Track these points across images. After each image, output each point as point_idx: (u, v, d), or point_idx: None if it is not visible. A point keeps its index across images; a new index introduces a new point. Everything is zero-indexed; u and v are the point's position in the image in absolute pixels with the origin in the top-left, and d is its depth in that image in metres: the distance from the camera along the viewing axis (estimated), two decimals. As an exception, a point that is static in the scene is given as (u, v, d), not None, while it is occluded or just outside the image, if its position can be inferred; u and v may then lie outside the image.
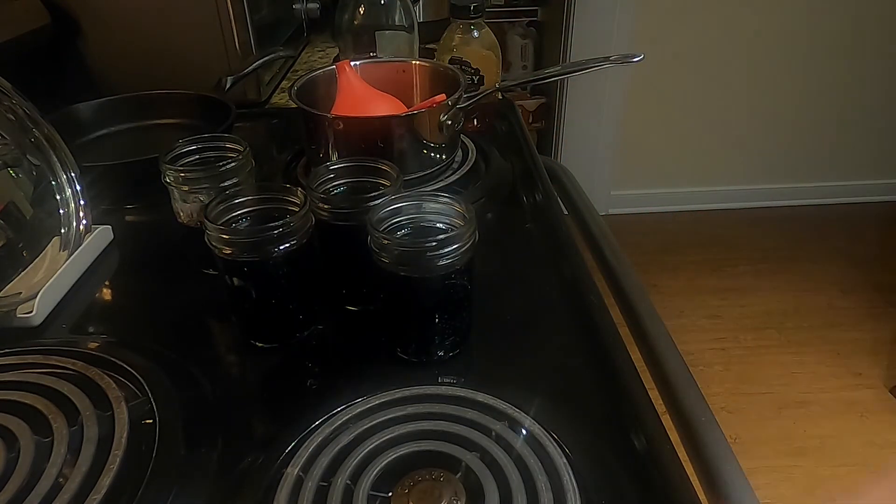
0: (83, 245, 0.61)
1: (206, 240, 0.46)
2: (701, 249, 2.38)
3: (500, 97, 0.98)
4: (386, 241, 0.43)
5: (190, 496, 0.38)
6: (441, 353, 0.48)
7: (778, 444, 1.64)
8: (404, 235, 0.47)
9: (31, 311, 0.53)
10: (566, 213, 0.77)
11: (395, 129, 0.65)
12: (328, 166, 0.54)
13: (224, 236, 0.45)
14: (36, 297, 0.54)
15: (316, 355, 0.50)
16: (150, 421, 0.43)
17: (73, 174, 0.64)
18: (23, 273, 0.58)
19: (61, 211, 0.63)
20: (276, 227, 0.45)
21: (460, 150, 0.76)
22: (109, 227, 0.64)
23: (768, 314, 2.06)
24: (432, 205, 0.48)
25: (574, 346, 0.49)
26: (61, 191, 0.63)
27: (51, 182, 0.63)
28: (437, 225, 0.48)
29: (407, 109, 0.73)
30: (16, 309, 0.53)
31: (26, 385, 0.44)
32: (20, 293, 0.54)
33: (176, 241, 0.62)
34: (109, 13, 0.85)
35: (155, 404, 0.44)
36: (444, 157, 0.71)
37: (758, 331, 2.00)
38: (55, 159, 0.63)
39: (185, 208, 0.57)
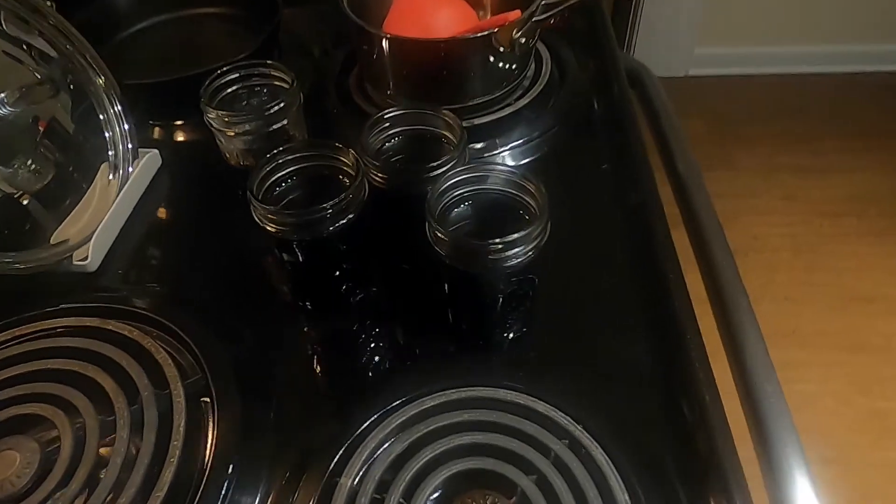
0: (131, 177, 0.59)
1: (252, 213, 0.42)
2: (785, 120, 2.17)
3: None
4: (442, 235, 0.39)
5: (245, 493, 0.39)
6: (500, 340, 0.45)
7: (839, 339, 1.60)
8: (463, 222, 0.42)
9: (87, 258, 0.52)
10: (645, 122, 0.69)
11: (457, 52, 0.57)
12: (382, 116, 0.48)
13: (271, 216, 0.41)
14: (90, 241, 0.53)
15: (370, 323, 0.48)
16: (207, 399, 0.43)
17: (115, 97, 0.59)
18: (76, 207, 0.56)
19: (107, 133, 0.60)
20: (327, 208, 0.41)
21: (533, 60, 0.67)
22: (157, 151, 0.61)
23: (850, 198, 1.91)
24: (499, 179, 0.42)
25: (648, 347, 0.45)
26: (105, 115, 0.59)
27: (93, 104, 0.59)
28: (503, 203, 0.42)
29: (475, 15, 0.64)
30: (72, 255, 0.52)
31: (88, 354, 0.44)
32: (68, 240, 0.53)
33: (226, 172, 0.58)
34: None
35: (211, 380, 0.44)
36: (514, 76, 0.62)
37: (836, 217, 1.87)
38: (94, 79, 0.59)
39: (231, 150, 0.53)
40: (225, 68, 0.52)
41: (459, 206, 0.43)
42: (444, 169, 0.43)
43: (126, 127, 0.60)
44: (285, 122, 0.51)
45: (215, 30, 0.76)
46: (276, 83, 0.54)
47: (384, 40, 0.57)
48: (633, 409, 0.41)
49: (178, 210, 0.60)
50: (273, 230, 0.42)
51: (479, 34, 0.55)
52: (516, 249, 0.38)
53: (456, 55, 0.57)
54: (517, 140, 0.60)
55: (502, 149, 0.60)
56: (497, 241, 0.37)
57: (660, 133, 0.69)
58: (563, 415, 0.39)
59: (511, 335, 0.45)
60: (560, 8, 0.57)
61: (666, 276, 0.47)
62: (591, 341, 0.46)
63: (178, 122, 0.66)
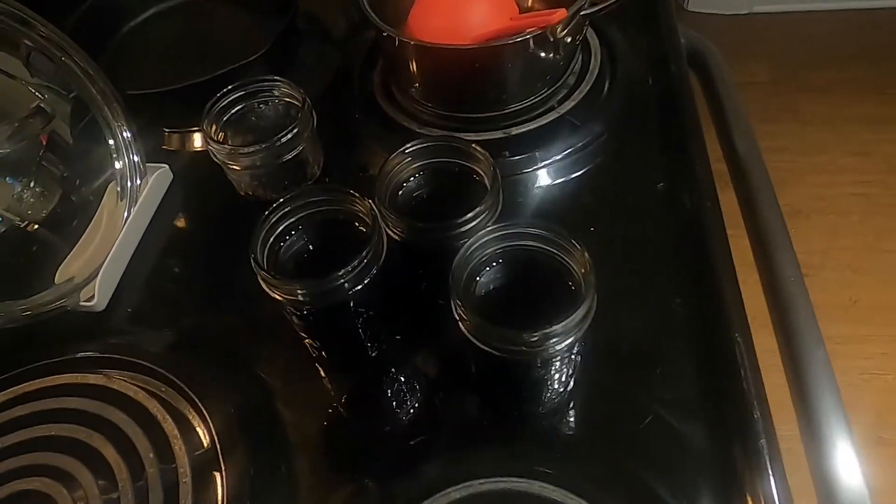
0: (140, 198, 0.54)
1: (261, 283, 0.37)
2: (860, 64, 1.96)
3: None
4: (469, 320, 0.33)
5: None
6: (533, 419, 0.40)
7: (908, 313, 1.49)
8: (495, 295, 0.36)
9: (93, 299, 0.49)
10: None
11: (490, 59, 0.49)
12: (403, 151, 0.41)
13: (276, 286, 0.37)
14: (96, 279, 0.49)
15: (392, 393, 0.43)
16: (217, 474, 0.40)
17: (118, 109, 0.54)
18: (84, 234, 0.53)
19: (112, 149, 0.55)
20: (340, 277, 0.36)
21: (580, 52, 0.58)
22: (167, 167, 0.56)
23: (931, 154, 1.75)
24: (537, 240, 0.36)
25: (706, 428, 0.39)
26: (107, 126, 0.55)
27: (95, 119, 0.55)
28: (542, 265, 0.36)
29: (514, 6, 0.55)
30: (78, 295, 0.49)
31: (93, 419, 0.41)
32: (73, 277, 0.50)
33: (239, 200, 0.53)
34: None
35: (220, 452, 0.41)
36: (557, 75, 0.55)
37: (913, 175, 1.71)
38: (94, 93, 0.54)
39: (236, 181, 0.48)
40: (228, 87, 0.46)
41: (491, 265, 0.37)
42: (473, 224, 0.37)
43: (132, 145, 0.55)
44: (298, 150, 0.45)
45: (229, 15, 0.69)
46: (287, 100, 0.48)
47: (406, 45, 0.49)
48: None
49: (192, 233, 0.55)
50: (281, 298, 0.37)
51: (514, 39, 0.47)
52: (557, 338, 0.32)
53: (488, 62, 0.49)
54: (560, 152, 0.53)
55: (543, 163, 0.52)
56: (534, 334, 0.32)
57: (720, 117, 0.60)
58: (606, 518, 0.35)
59: (547, 414, 0.40)
60: (612, 2, 0.49)
61: (732, 341, 0.40)
62: (642, 417, 0.40)
63: (191, 130, 0.61)
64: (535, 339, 0.32)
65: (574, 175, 0.53)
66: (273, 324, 0.47)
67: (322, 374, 0.45)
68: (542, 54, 0.49)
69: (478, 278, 0.37)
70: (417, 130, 0.55)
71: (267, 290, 0.37)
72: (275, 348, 0.46)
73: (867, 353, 1.44)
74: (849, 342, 1.46)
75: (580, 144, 0.53)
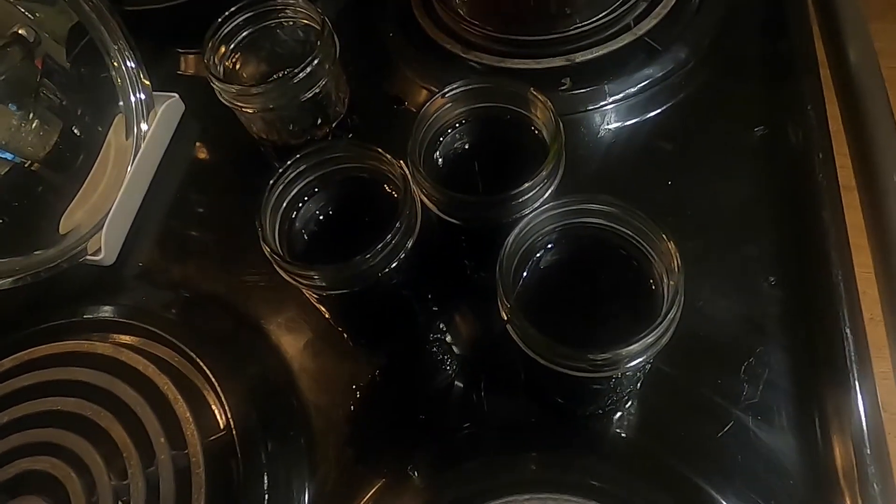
0: (149, 132, 0.48)
1: (282, 272, 0.31)
2: None
3: None
4: (521, 328, 0.27)
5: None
6: (585, 428, 0.34)
7: None
8: (552, 294, 0.29)
9: (100, 252, 0.44)
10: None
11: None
12: (444, 95, 0.33)
13: (299, 277, 0.30)
14: (102, 229, 0.44)
15: (424, 381, 0.38)
16: (232, 460, 0.37)
17: (117, 31, 0.47)
18: (89, 174, 0.48)
19: (114, 76, 0.49)
20: (368, 259, 0.29)
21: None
22: (177, 96, 0.50)
23: None
24: (610, 219, 0.29)
25: (805, 453, 0.33)
26: (106, 50, 0.48)
27: (92, 41, 0.48)
28: (611, 250, 0.29)
29: None
30: (84, 248, 0.44)
31: (100, 394, 0.38)
32: (78, 227, 0.45)
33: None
34: None
35: (236, 435, 0.37)
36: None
37: None
38: (88, 10, 0.46)
39: (252, 125, 0.41)
40: (233, 8, 0.38)
41: (548, 253, 0.30)
42: (527, 197, 0.30)
43: (131, 63, 0.48)
44: (318, 88, 0.38)
45: None
46: (304, 21, 0.40)
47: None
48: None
49: (208, 175, 0.49)
50: (302, 285, 0.31)
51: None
52: (632, 358, 0.26)
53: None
54: (634, 85, 0.44)
55: (612, 99, 0.43)
56: (601, 355, 0.25)
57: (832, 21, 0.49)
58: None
59: (606, 416, 0.34)
60: None
61: (839, 335, 0.33)
62: (719, 427, 0.33)
63: (197, 50, 0.53)
64: (604, 359, 0.25)
65: (651, 115, 0.43)
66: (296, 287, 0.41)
67: (348, 347, 0.40)
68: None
69: (531, 268, 0.30)
70: (462, 55, 0.46)
71: (283, 274, 0.31)
72: (296, 316, 0.41)
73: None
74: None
75: (660, 75, 0.44)
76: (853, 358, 0.33)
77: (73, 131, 0.49)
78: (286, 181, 0.32)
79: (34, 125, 0.47)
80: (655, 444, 0.34)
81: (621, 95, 0.43)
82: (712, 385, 0.34)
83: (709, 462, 0.33)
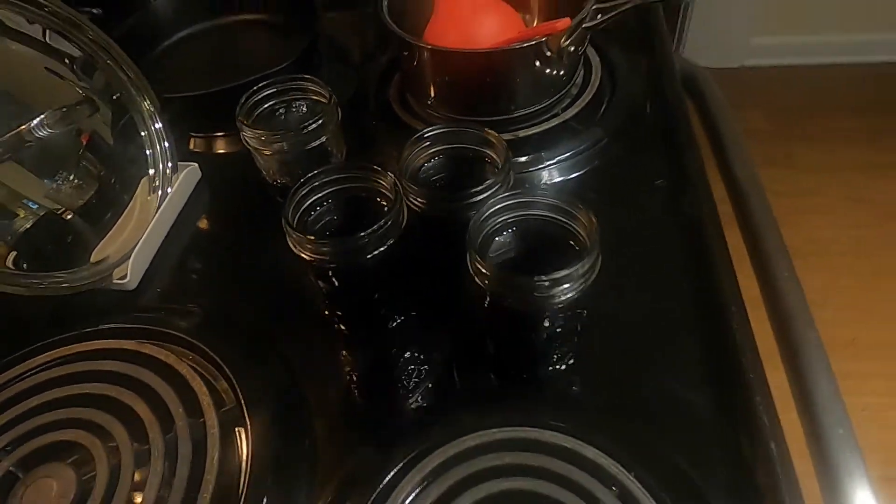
0: (171, 192, 0.58)
1: (288, 241, 0.41)
2: (851, 114, 2.05)
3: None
4: (484, 269, 0.36)
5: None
6: (545, 377, 0.43)
7: (908, 353, 1.51)
8: (507, 252, 0.40)
9: (126, 277, 0.52)
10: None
11: (502, 63, 0.54)
12: (423, 135, 0.45)
13: (307, 244, 0.40)
14: (129, 259, 0.52)
15: (410, 355, 0.46)
16: (241, 429, 0.42)
17: (154, 110, 0.59)
18: (116, 222, 0.56)
19: (147, 149, 0.60)
20: (364, 236, 0.39)
21: (582, 67, 0.63)
22: (196, 165, 0.61)
23: (921, 199, 1.80)
24: (546, 205, 0.40)
25: (706, 388, 0.42)
26: (145, 128, 0.59)
27: (132, 119, 0.59)
28: (550, 231, 0.40)
29: (520, 20, 0.61)
30: (111, 274, 0.52)
31: (124, 379, 0.44)
32: (108, 257, 0.53)
33: (264, 190, 0.57)
34: None
35: (245, 410, 0.43)
36: (561, 84, 0.59)
37: (904, 218, 1.76)
38: (134, 93, 0.59)
39: (268, 168, 0.52)
40: (261, 84, 0.51)
41: (503, 233, 0.41)
42: (486, 194, 0.41)
43: (166, 144, 0.60)
44: (323, 139, 0.49)
45: (255, 37, 0.75)
46: (314, 97, 0.52)
47: (425, 51, 0.54)
48: (689, 455, 0.38)
49: (218, 224, 0.59)
50: (309, 258, 0.40)
51: (524, 44, 0.52)
52: (564, 286, 0.35)
53: (499, 66, 0.54)
54: (564, 153, 0.57)
55: (548, 163, 0.57)
56: (543, 278, 0.35)
57: (716, 138, 0.65)
58: (612, 461, 0.37)
59: (558, 372, 0.42)
60: (613, 14, 0.54)
61: (728, 309, 0.43)
62: (645, 380, 0.42)
63: (218, 134, 0.65)
64: (546, 283, 0.35)
65: (578, 173, 0.56)
66: (297, 305, 0.50)
67: (342, 346, 0.48)
68: (548, 61, 0.54)
69: (491, 244, 0.40)
70: (432, 133, 0.59)
71: (295, 249, 0.40)
72: (298, 326, 0.49)
73: (869, 390, 1.45)
74: (850, 379, 1.47)
75: (582, 147, 0.57)
76: (754, 383, 0.41)
77: (105, 190, 0.58)
78: (304, 192, 0.43)
79: (73, 183, 0.57)
80: (595, 398, 0.42)
81: (555, 160, 0.57)
82: (635, 362, 0.44)
83: (637, 409, 0.41)
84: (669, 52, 0.69)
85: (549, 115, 0.59)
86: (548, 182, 0.56)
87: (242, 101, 0.50)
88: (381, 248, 0.40)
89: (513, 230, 0.41)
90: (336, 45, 0.75)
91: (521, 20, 0.61)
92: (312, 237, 0.40)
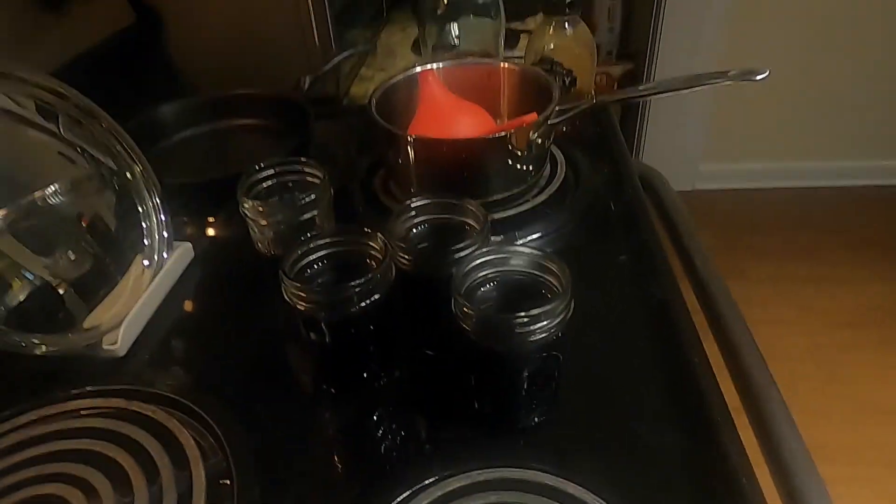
0: (165, 267, 0.61)
1: (283, 292, 0.44)
2: (794, 232, 2.21)
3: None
4: (468, 311, 0.40)
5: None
6: (527, 421, 0.45)
7: (869, 453, 1.53)
8: (489, 301, 0.43)
9: (116, 344, 0.53)
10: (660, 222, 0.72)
11: (480, 151, 0.61)
12: (409, 205, 0.50)
13: (301, 293, 0.43)
14: (120, 327, 0.54)
15: (394, 407, 0.48)
16: (228, 482, 0.43)
17: (154, 192, 0.63)
18: (108, 294, 0.58)
19: (144, 229, 0.63)
20: (356, 286, 0.42)
21: (549, 163, 0.71)
22: (189, 244, 0.64)
23: (867, 308, 1.91)
24: (522, 260, 0.44)
25: (673, 420, 0.45)
26: (144, 207, 0.63)
27: (133, 199, 0.63)
28: (527, 283, 0.44)
29: (493, 121, 0.69)
30: (101, 340, 0.53)
31: (110, 434, 0.44)
32: (101, 324, 0.54)
33: (256, 262, 0.61)
34: (191, 12, 0.83)
35: (232, 462, 0.43)
36: (531, 175, 0.66)
37: (854, 327, 1.85)
38: (138, 177, 0.63)
39: (262, 239, 0.56)
40: (262, 164, 0.56)
41: (484, 286, 0.44)
42: (468, 251, 0.45)
43: (164, 222, 0.63)
44: (315, 212, 0.54)
45: (250, 139, 0.82)
46: (309, 179, 0.58)
47: (410, 140, 0.61)
48: (666, 492, 0.40)
49: (208, 300, 0.61)
50: (302, 308, 0.43)
51: (498, 134, 0.59)
52: (541, 324, 0.39)
53: (477, 154, 0.60)
54: (535, 233, 0.63)
55: (522, 241, 0.62)
56: (522, 314, 0.38)
57: (675, 233, 0.72)
58: (594, 497, 0.38)
59: (538, 417, 0.45)
60: (573, 112, 0.62)
61: (691, 361, 0.47)
62: (620, 424, 0.45)
63: (212, 220, 0.69)
64: (525, 320, 0.38)
65: (549, 250, 0.61)
66: (285, 371, 0.52)
67: (329, 405, 0.49)
68: (519, 151, 0.61)
69: (475, 296, 0.44)
70: (413, 216, 0.64)
71: (290, 300, 0.43)
72: (286, 389, 0.51)
73: (835, 493, 1.45)
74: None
75: (552, 229, 0.63)
76: (721, 425, 0.45)
77: (101, 265, 0.61)
78: (301, 250, 0.46)
79: (69, 258, 0.59)
80: (579, 439, 0.44)
81: (527, 239, 0.62)
82: (609, 408, 0.46)
83: (618, 448, 0.43)
84: (626, 154, 0.78)
85: (521, 201, 0.65)
86: (521, 258, 0.61)
87: (243, 178, 0.55)
88: (371, 300, 0.44)
89: (493, 283, 0.44)
90: (324, 149, 0.82)
91: (494, 122, 0.69)
92: (305, 286, 0.43)
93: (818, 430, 1.57)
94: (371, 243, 0.47)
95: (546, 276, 0.43)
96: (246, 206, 0.53)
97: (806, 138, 2.36)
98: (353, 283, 0.42)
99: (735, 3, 2.04)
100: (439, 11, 0.91)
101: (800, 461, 0.47)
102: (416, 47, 1.12)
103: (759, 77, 0.56)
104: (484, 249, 0.44)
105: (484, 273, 0.44)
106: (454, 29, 0.91)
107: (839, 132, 2.33)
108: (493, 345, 0.40)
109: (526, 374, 0.42)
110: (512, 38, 1.09)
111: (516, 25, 1.16)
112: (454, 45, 0.92)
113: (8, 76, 0.54)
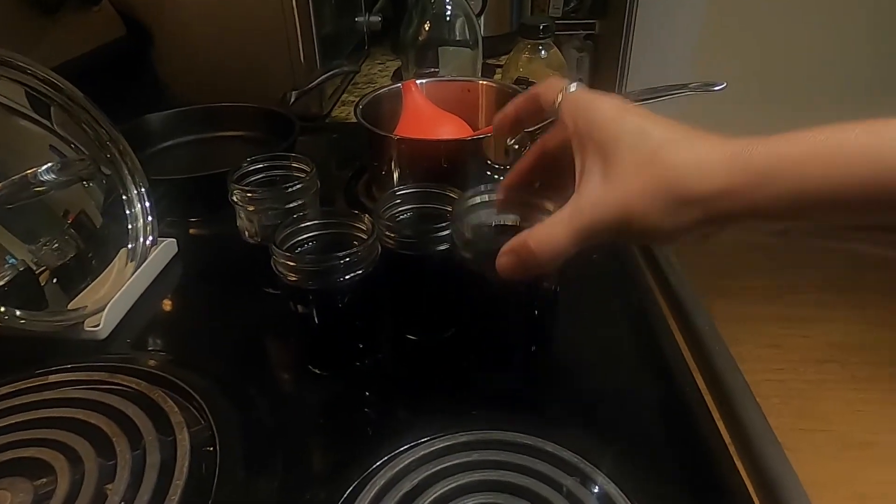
0: (149, 259, 0.62)
1: (272, 265, 0.45)
2: (760, 274, 2.28)
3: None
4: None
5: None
6: (509, 390, 0.46)
7: (838, 488, 1.55)
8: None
9: (98, 325, 0.53)
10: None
11: (460, 152, 0.64)
12: (395, 192, 0.52)
13: (290, 263, 0.44)
14: (103, 310, 0.54)
15: (375, 386, 0.49)
16: (211, 448, 0.43)
17: (143, 188, 0.65)
18: (91, 284, 0.59)
19: (130, 224, 0.64)
20: (344, 257, 0.44)
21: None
22: (174, 240, 0.65)
23: (832, 346, 1.96)
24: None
25: (645, 391, 0.47)
26: (131, 204, 0.64)
27: (121, 195, 0.64)
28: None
29: (472, 131, 0.72)
30: (84, 322, 0.54)
31: (92, 404, 0.44)
32: (86, 306, 0.55)
33: (239, 257, 0.62)
34: (181, 27, 0.87)
35: (216, 431, 0.44)
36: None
37: (820, 364, 1.90)
38: (127, 173, 0.64)
39: (249, 227, 0.57)
40: (252, 157, 0.58)
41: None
42: (445, 233, 0.48)
43: (150, 218, 0.64)
44: (302, 201, 0.56)
45: (235, 148, 0.84)
46: (297, 174, 0.60)
47: (394, 142, 0.64)
48: (641, 445, 0.42)
49: (192, 289, 0.62)
50: (292, 279, 0.45)
51: (478, 137, 0.62)
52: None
53: (460, 155, 0.63)
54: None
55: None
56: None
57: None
58: (572, 453, 0.40)
59: (519, 385, 0.46)
60: (545, 122, 0.66)
61: (661, 343, 0.49)
62: (597, 385, 0.47)
63: (196, 219, 0.71)
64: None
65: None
66: (268, 354, 0.53)
67: (312, 376, 0.50)
68: (496, 152, 0.64)
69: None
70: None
71: (280, 272, 0.45)
72: (268, 369, 0.52)
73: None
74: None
75: (529, 230, 0.66)
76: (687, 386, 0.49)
77: (84, 257, 0.61)
78: (291, 229, 0.48)
79: (52, 247, 0.60)
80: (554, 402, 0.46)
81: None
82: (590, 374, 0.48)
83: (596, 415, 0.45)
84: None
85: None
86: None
87: (233, 171, 0.56)
88: (357, 272, 0.45)
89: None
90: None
91: (470, 129, 0.72)
92: (294, 255, 0.44)
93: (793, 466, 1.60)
94: (358, 224, 0.49)
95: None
96: (235, 191, 0.55)
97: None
98: (340, 254, 0.44)
99: (700, 44, 2.16)
100: (420, 39, 0.96)
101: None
102: (397, 77, 1.16)
103: (717, 88, 0.60)
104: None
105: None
106: (436, 56, 0.96)
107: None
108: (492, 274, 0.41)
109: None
110: (488, 71, 1.14)
111: (492, 61, 1.22)
112: (435, 72, 0.97)
113: (3, 62, 0.56)
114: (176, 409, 0.44)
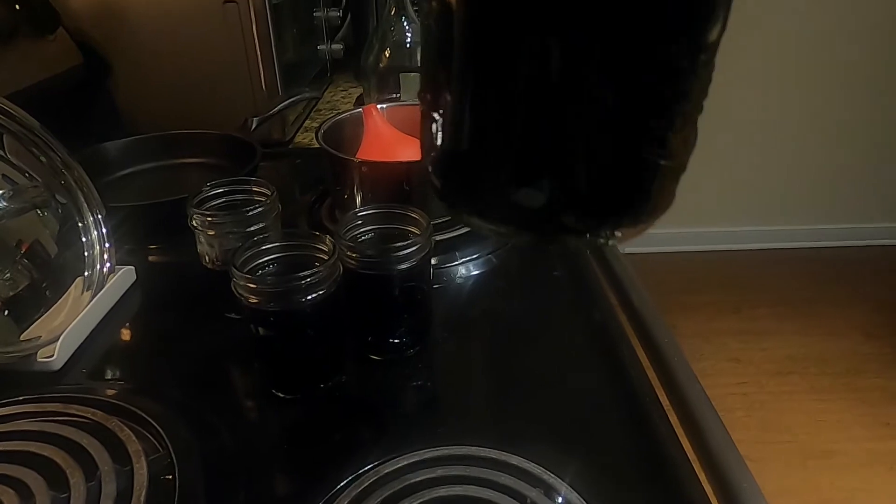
0: (106, 287, 0.61)
1: (233, 288, 0.45)
2: (719, 291, 2.34)
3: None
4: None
5: (210, 562, 0.36)
6: (471, 405, 0.46)
7: (804, 496, 1.58)
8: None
9: (52, 356, 0.52)
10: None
11: (421, 174, 0.65)
12: (356, 213, 0.53)
13: (251, 285, 0.44)
14: (57, 340, 0.53)
15: (340, 408, 0.49)
16: (171, 477, 0.42)
17: (99, 216, 0.64)
18: (45, 314, 0.57)
19: (86, 252, 0.63)
20: (305, 277, 0.44)
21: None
22: (132, 268, 0.64)
23: (790, 359, 2.01)
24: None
25: (607, 402, 0.48)
26: (87, 232, 0.63)
27: (77, 223, 0.63)
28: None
29: (433, 153, 0.73)
30: (37, 353, 0.52)
31: (44, 436, 0.43)
32: (40, 336, 0.54)
33: (198, 283, 0.61)
34: (140, 54, 0.86)
35: (175, 459, 0.43)
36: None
37: (780, 376, 1.95)
38: (83, 200, 0.63)
39: (209, 252, 0.57)
40: (211, 183, 0.58)
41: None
42: (411, 250, 0.48)
43: (107, 246, 0.63)
44: (263, 224, 0.56)
45: (196, 175, 0.83)
46: (258, 198, 0.60)
47: (356, 165, 0.64)
48: (604, 455, 0.43)
49: (149, 318, 0.61)
50: (253, 301, 0.44)
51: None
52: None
53: (418, 176, 0.64)
54: (474, 254, 0.66)
55: (462, 260, 0.65)
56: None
57: (608, 267, 0.76)
58: (535, 465, 0.40)
59: (483, 401, 0.47)
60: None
61: (621, 353, 0.50)
62: (558, 397, 0.47)
63: (155, 246, 0.70)
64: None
65: (487, 268, 0.65)
66: (226, 380, 0.53)
67: (274, 401, 0.49)
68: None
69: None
70: (359, 239, 0.67)
71: (240, 294, 0.44)
72: (227, 395, 0.51)
73: (778, 538, 1.48)
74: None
75: (488, 250, 0.67)
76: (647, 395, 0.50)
77: (37, 287, 0.60)
78: (252, 252, 0.48)
79: (4, 277, 0.58)
80: (516, 417, 0.46)
81: (468, 258, 0.65)
82: (551, 387, 0.49)
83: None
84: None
85: (460, 224, 0.69)
86: (463, 275, 0.64)
87: (192, 195, 0.56)
88: (319, 292, 0.45)
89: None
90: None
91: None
92: (254, 277, 0.44)
93: (757, 477, 1.62)
94: (319, 245, 0.49)
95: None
96: (195, 216, 0.54)
97: (727, 205, 2.55)
98: (301, 274, 0.44)
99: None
100: (382, 66, 0.97)
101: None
102: (359, 104, 1.17)
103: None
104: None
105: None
106: (397, 81, 0.98)
107: (765, 199, 2.53)
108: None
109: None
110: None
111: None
112: (396, 97, 0.98)
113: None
114: (133, 437, 0.43)
